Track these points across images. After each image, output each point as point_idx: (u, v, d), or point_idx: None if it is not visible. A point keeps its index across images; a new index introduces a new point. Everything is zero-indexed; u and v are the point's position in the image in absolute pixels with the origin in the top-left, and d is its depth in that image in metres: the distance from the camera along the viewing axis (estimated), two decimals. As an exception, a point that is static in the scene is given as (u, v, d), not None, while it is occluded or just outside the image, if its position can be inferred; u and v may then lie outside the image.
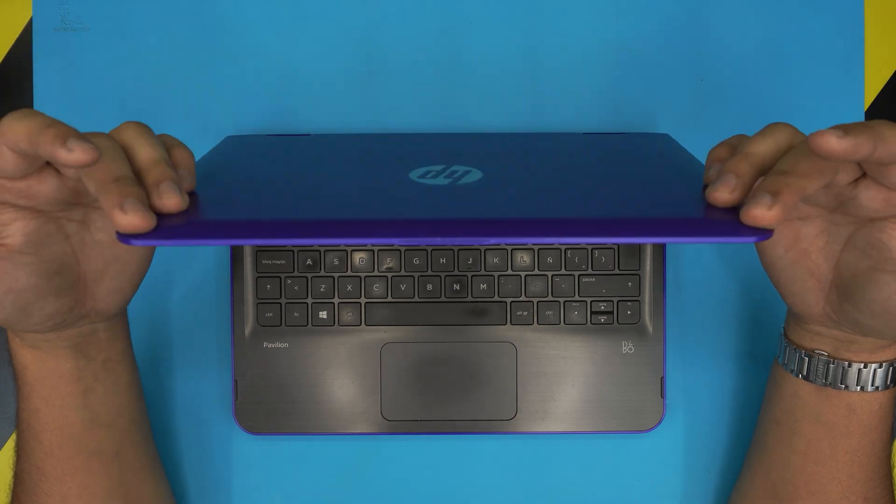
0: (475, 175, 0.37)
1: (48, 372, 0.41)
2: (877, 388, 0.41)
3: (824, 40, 0.52)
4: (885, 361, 0.41)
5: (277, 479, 0.51)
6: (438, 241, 0.32)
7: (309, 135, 0.50)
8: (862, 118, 0.52)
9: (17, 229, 0.36)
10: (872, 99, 0.52)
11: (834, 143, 0.29)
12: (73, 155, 0.30)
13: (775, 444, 0.45)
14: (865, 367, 0.41)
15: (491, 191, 0.36)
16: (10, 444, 0.52)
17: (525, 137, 0.46)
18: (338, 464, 0.51)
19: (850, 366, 0.41)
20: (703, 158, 0.53)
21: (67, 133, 0.30)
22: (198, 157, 0.52)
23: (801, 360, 0.42)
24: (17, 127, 0.31)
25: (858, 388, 0.41)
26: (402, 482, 0.51)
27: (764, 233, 0.31)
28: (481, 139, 0.46)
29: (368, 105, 0.52)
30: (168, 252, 0.51)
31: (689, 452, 0.51)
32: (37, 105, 0.52)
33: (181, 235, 0.32)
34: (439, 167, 0.38)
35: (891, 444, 0.43)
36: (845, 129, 0.30)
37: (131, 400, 0.45)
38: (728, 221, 0.32)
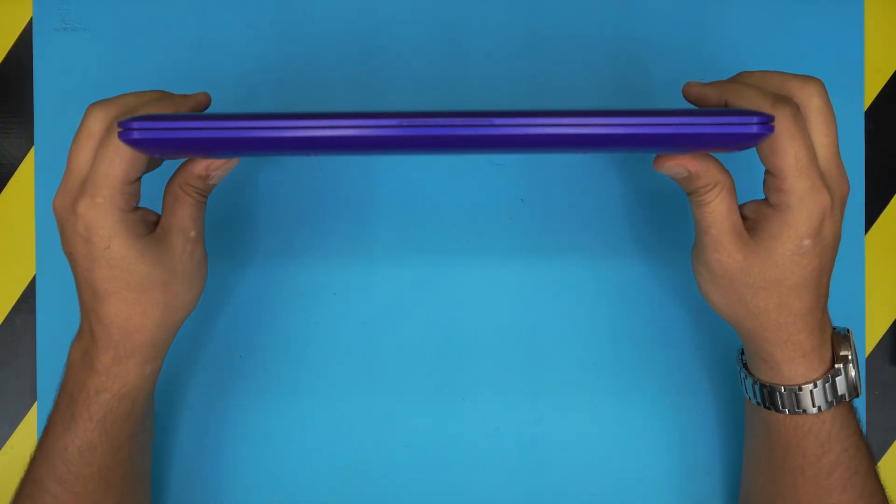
0: None
1: (126, 411, 0.42)
2: (819, 408, 0.40)
3: (824, 40, 0.52)
4: (813, 381, 0.40)
5: (272, 477, 0.51)
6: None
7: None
8: (862, 118, 0.52)
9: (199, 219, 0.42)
10: (872, 99, 0.52)
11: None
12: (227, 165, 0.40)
13: (755, 474, 0.44)
14: (800, 389, 0.40)
15: None
16: (10, 443, 0.52)
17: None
18: (333, 463, 0.51)
19: (784, 390, 0.40)
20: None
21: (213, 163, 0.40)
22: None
23: (749, 387, 0.42)
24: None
25: (801, 410, 0.40)
26: (403, 466, 0.51)
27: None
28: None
29: (367, 99, 0.52)
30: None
31: (689, 452, 0.51)
32: (37, 105, 0.52)
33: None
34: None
35: (869, 457, 0.42)
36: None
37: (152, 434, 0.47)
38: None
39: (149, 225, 0.41)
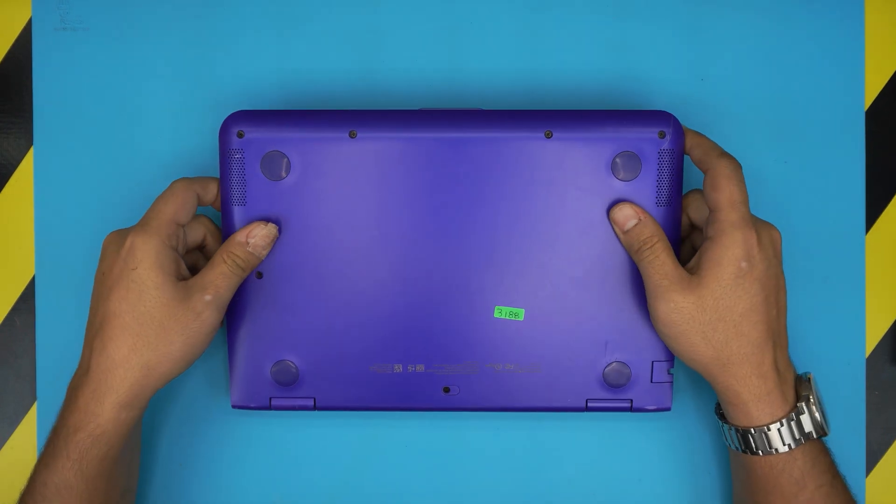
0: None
1: (100, 454, 0.43)
2: (789, 446, 0.43)
3: (824, 40, 0.52)
4: (779, 420, 0.43)
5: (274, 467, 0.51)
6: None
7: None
8: (862, 118, 0.52)
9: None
10: (872, 99, 0.52)
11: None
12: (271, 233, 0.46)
13: None
14: (768, 429, 0.43)
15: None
16: (10, 443, 0.52)
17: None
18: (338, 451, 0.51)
19: (754, 431, 0.44)
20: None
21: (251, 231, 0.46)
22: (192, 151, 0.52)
23: (727, 433, 0.46)
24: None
25: (773, 450, 0.44)
26: (404, 469, 0.51)
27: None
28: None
29: (368, 99, 0.52)
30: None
31: (690, 453, 0.51)
32: (36, 105, 0.52)
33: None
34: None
35: (846, 493, 0.45)
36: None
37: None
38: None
39: (180, 273, 0.45)
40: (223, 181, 0.47)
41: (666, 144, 0.46)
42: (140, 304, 0.43)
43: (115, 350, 0.43)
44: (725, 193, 0.43)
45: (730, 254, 0.43)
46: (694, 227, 0.48)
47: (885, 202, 0.52)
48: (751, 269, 0.43)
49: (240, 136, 0.46)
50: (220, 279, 0.44)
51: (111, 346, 0.43)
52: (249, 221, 0.47)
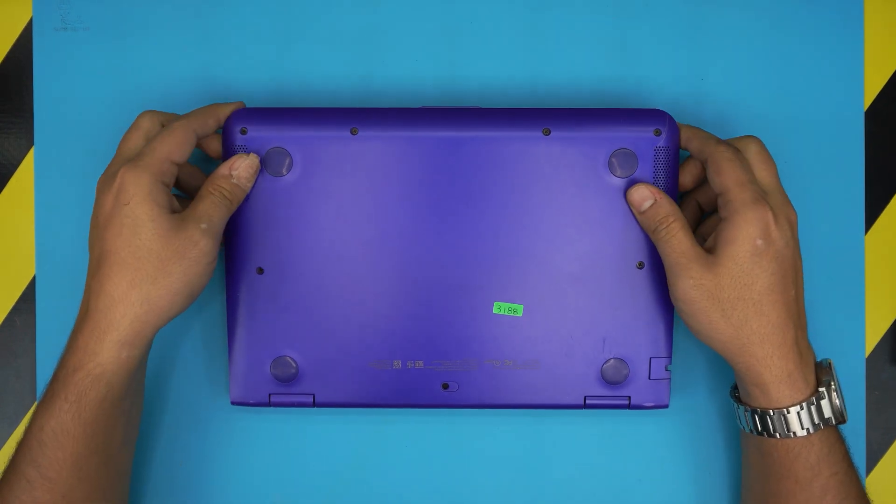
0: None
1: (98, 395, 0.42)
2: (807, 430, 0.43)
3: (824, 40, 0.52)
4: (799, 403, 0.43)
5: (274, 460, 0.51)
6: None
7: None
8: (862, 118, 0.52)
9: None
10: (872, 99, 0.52)
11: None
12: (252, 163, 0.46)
13: (751, 502, 0.47)
14: (788, 411, 0.43)
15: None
16: (10, 443, 0.52)
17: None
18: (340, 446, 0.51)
19: (773, 413, 0.43)
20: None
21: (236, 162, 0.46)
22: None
23: (742, 415, 0.45)
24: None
25: (791, 434, 0.43)
26: (403, 465, 0.51)
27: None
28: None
29: (367, 99, 0.52)
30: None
31: (692, 452, 0.51)
32: (37, 105, 0.52)
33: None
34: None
35: (859, 484, 0.45)
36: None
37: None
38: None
39: (174, 205, 0.45)
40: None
41: (661, 142, 0.47)
42: (136, 238, 0.42)
43: (114, 287, 0.42)
44: (731, 175, 0.43)
45: (744, 233, 0.43)
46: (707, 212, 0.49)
47: (885, 202, 0.52)
48: (767, 246, 0.43)
49: (243, 133, 0.47)
50: (211, 208, 0.44)
51: (109, 284, 0.42)
52: (251, 220, 0.47)
